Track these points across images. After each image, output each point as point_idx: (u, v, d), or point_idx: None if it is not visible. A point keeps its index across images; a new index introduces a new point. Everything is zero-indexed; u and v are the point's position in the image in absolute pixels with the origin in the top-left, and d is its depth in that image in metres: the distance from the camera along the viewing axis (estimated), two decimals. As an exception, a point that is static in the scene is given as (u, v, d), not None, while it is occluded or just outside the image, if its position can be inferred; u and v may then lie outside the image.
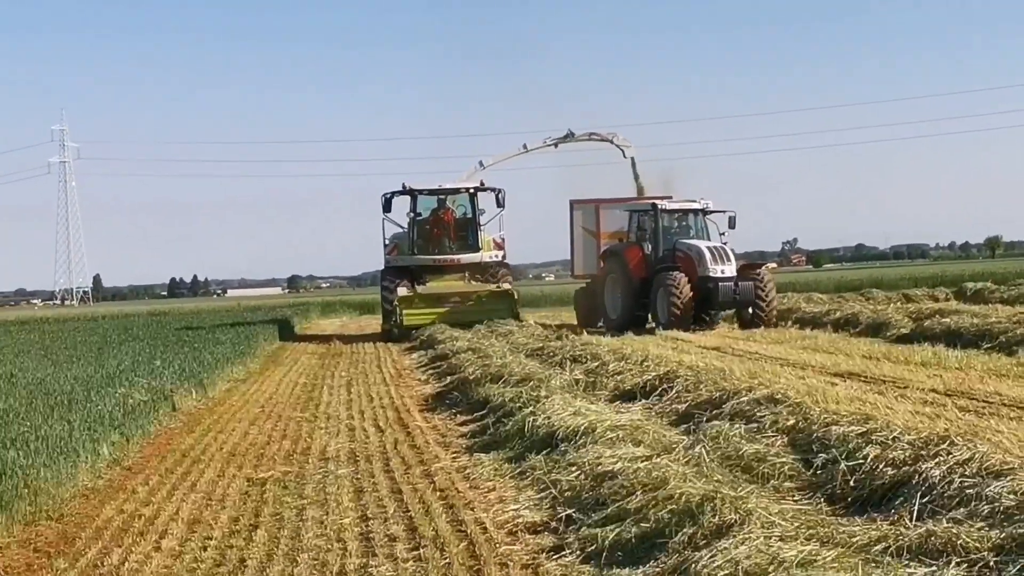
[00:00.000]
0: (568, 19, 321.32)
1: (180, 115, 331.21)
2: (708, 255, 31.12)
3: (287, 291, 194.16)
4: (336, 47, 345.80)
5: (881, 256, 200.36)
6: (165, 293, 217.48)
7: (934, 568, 7.02)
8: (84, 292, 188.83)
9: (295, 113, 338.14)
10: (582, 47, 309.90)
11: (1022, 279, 49.25)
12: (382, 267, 37.12)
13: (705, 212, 33.22)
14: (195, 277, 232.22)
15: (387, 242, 36.81)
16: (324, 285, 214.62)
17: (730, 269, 31.16)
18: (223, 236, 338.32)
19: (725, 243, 32.35)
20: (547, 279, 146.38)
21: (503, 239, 36.84)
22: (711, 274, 30.82)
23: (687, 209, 33.40)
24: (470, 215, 36.92)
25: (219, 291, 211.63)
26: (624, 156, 41.07)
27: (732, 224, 32.83)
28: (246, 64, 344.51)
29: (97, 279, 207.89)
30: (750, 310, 31.25)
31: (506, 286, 35.70)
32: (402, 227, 36.64)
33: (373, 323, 46.59)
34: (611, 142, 41.16)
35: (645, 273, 31.94)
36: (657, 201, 33.52)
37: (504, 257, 36.81)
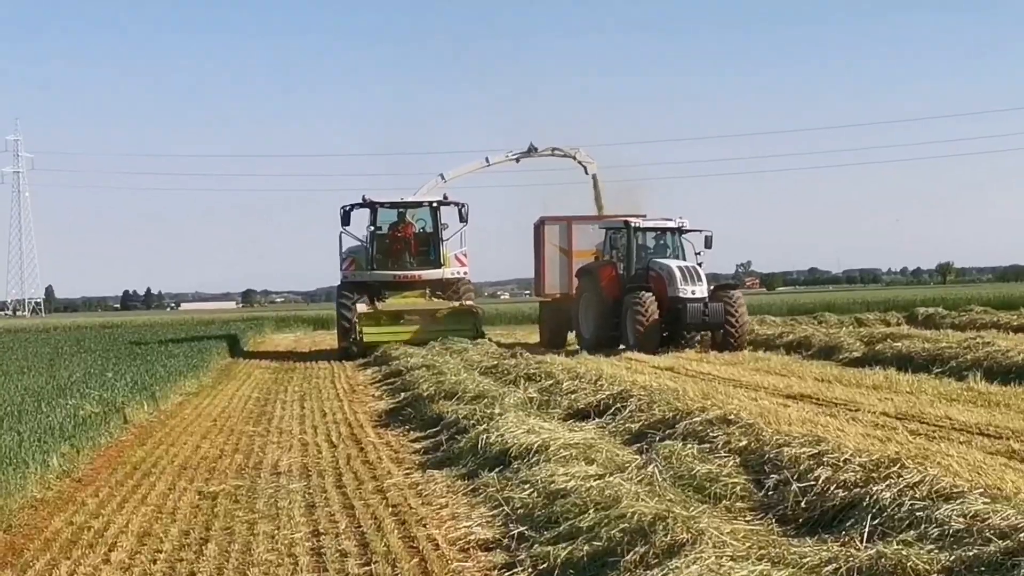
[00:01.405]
0: (536, 35, 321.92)
1: (136, 127, 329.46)
2: (679, 275, 30.58)
3: (241, 305, 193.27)
4: (292, 59, 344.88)
5: (834, 280, 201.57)
6: (118, 306, 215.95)
7: (884, 589, 7.06)
8: (36, 303, 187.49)
9: (252, 126, 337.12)
10: (548, 64, 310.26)
11: (972, 305, 49.68)
12: (339, 282, 35.68)
13: (681, 231, 32.54)
14: (148, 290, 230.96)
15: (344, 256, 35.68)
16: (278, 300, 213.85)
17: (701, 290, 30.61)
18: (177, 249, 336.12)
19: (700, 263, 31.85)
20: (502, 297, 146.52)
21: (466, 255, 35.89)
22: (680, 295, 30.28)
23: (662, 227, 32.74)
24: (431, 229, 35.92)
25: (172, 304, 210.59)
26: (586, 173, 40.74)
27: (708, 244, 32.21)
28: (202, 78, 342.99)
29: (49, 290, 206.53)
30: (721, 332, 30.63)
31: (469, 303, 34.78)
32: (361, 241, 35.58)
33: (328, 339, 46.45)
34: (573, 158, 40.70)
35: (618, 292, 31.38)
36: (630, 219, 32.76)
37: (467, 273, 35.83)
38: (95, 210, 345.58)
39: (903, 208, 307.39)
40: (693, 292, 30.44)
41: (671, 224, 32.48)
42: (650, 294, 30.28)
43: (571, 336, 35.39)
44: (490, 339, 33.38)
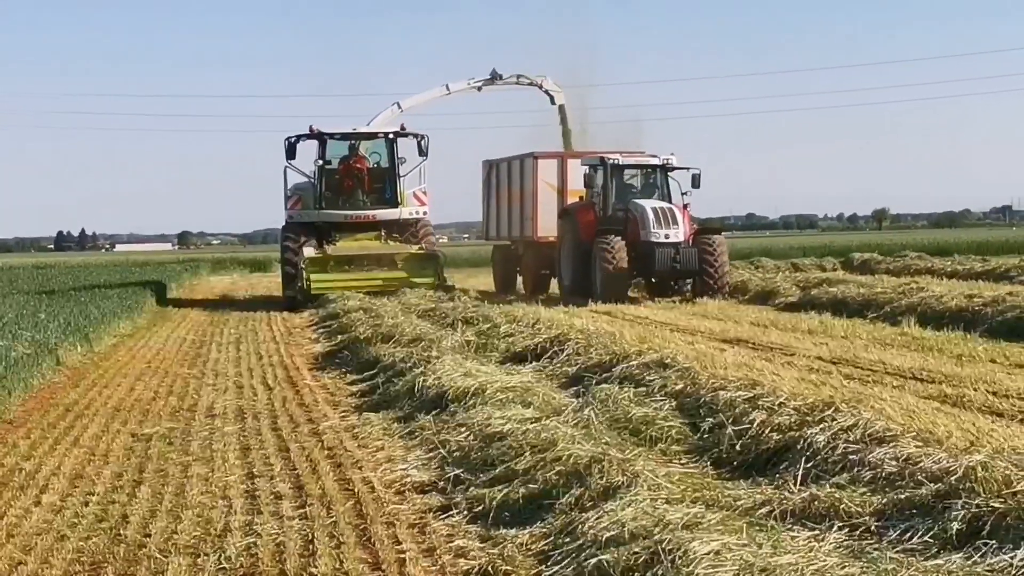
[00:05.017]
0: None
1: (70, 66, 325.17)
2: (652, 217, 28.32)
3: (177, 247, 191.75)
4: None
5: (771, 225, 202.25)
6: (52, 246, 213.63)
7: (817, 532, 7.12)
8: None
9: (187, 65, 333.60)
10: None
11: (907, 251, 50.11)
12: (283, 223, 32.14)
13: (666, 169, 30.05)
14: (83, 231, 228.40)
15: (289, 194, 31.94)
16: (215, 242, 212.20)
17: (676, 233, 28.20)
18: (112, 190, 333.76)
19: (687, 204, 29.57)
20: (440, 241, 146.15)
21: (425, 192, 32.17)
22: (652, 239, 28.06)
23: (643, 164, 30.45)
24: (387, 164, 32.11)
25: (107, 245, 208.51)
26: (552, 103, 38.98)
27: (696, 183, 29.75)
28: (140, 14, 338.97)
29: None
30: (698, 279, 28.53)
31: (430, 247, 31.54)
32: (308, 177, 31.79)
33: (265, 281, 46.17)
34: (540, 87, 38.91)
35: (594, 236, 28.85)
36: (608, 155, 30.10)
37: (426, 213, 32.19)
38: (28, 150, 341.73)
39: (841, 153, 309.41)
40: (667, 236, 28.15)
41: (653, 161, 30.27)
42: (619, 238, 28.17)
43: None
44: (457, 287, 30.63)
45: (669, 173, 30.24)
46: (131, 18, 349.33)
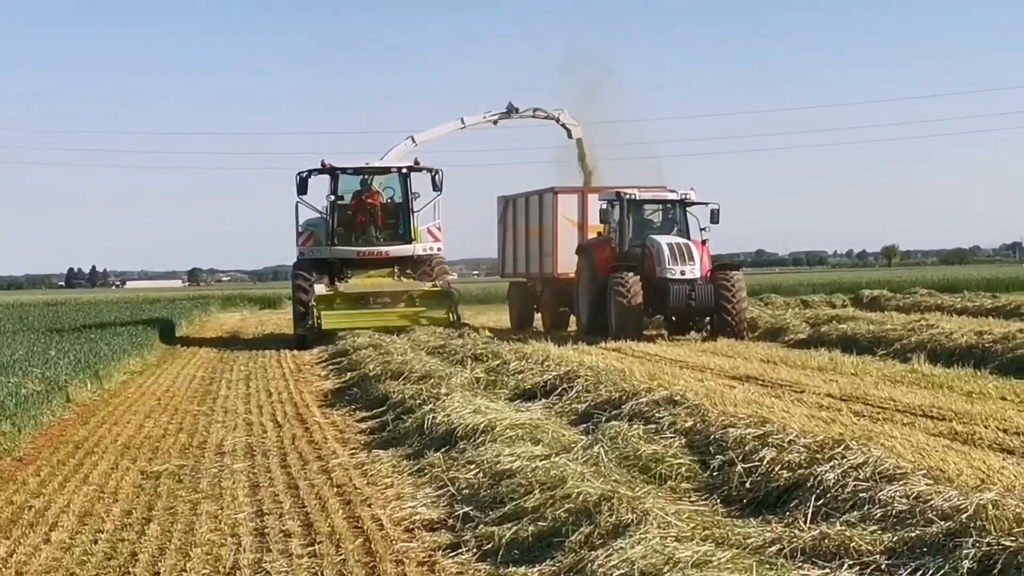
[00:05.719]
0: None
1: (80, 102, 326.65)
2: (667, 253, 27.82)
3: (187, 284, 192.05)
4: (236, 31, 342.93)
5: (780, 262, 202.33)
6: (63, 283, 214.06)
7: (827, 570, 7.10)
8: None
9: (198, 101, 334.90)
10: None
11: (917, 288, 50.04)
12: (295, 260, 31.58)
13: (685, 204, 29.59)
14: (94, 268, 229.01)
15: (300, 230, 31.45)
16: (225, 279, 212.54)
17: (692, 270, 27.72)
18: (123, 227, 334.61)
19: (705, 240, 29.11)
20: (450, 277, 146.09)
21: (440, 228, 31.66)
22: (668, 275, 27.57)
23: (660, 199, 30.00)
24: (401, 199, 31.65)
25: (118, 282, 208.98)
26: (569, 137, 38.36)
27: (715, 218, 29.07)
28: (148, 52, 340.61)
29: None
30: (716, 317, 27.92)
31: (445, 284, 31.02)
32: (320, 212, 31.31)
33: (274, 318, 46.17)
34: (556, 120, 38.21)
35: (611, 271, 28.34)
36: (624, 190, 29.57)
37: (440, 249, 31.69)
38: (40, 186, 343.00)
39: (850, 189, 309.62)
40: (683, 272, 27.65)
41: (671, 196, 29.82)
42: (633, 274, 27.66)
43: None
44: (468, 325, 30.23)
45: (688, 208, 29.75)
46: (142, 54, 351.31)
